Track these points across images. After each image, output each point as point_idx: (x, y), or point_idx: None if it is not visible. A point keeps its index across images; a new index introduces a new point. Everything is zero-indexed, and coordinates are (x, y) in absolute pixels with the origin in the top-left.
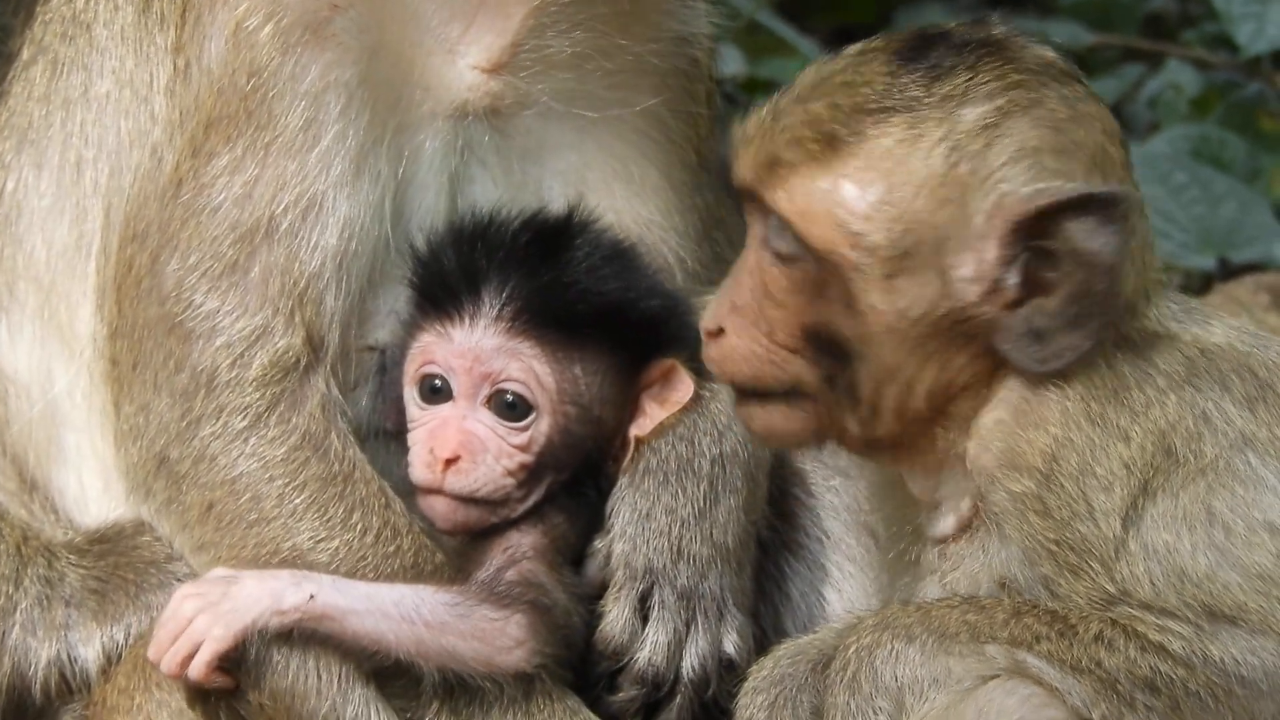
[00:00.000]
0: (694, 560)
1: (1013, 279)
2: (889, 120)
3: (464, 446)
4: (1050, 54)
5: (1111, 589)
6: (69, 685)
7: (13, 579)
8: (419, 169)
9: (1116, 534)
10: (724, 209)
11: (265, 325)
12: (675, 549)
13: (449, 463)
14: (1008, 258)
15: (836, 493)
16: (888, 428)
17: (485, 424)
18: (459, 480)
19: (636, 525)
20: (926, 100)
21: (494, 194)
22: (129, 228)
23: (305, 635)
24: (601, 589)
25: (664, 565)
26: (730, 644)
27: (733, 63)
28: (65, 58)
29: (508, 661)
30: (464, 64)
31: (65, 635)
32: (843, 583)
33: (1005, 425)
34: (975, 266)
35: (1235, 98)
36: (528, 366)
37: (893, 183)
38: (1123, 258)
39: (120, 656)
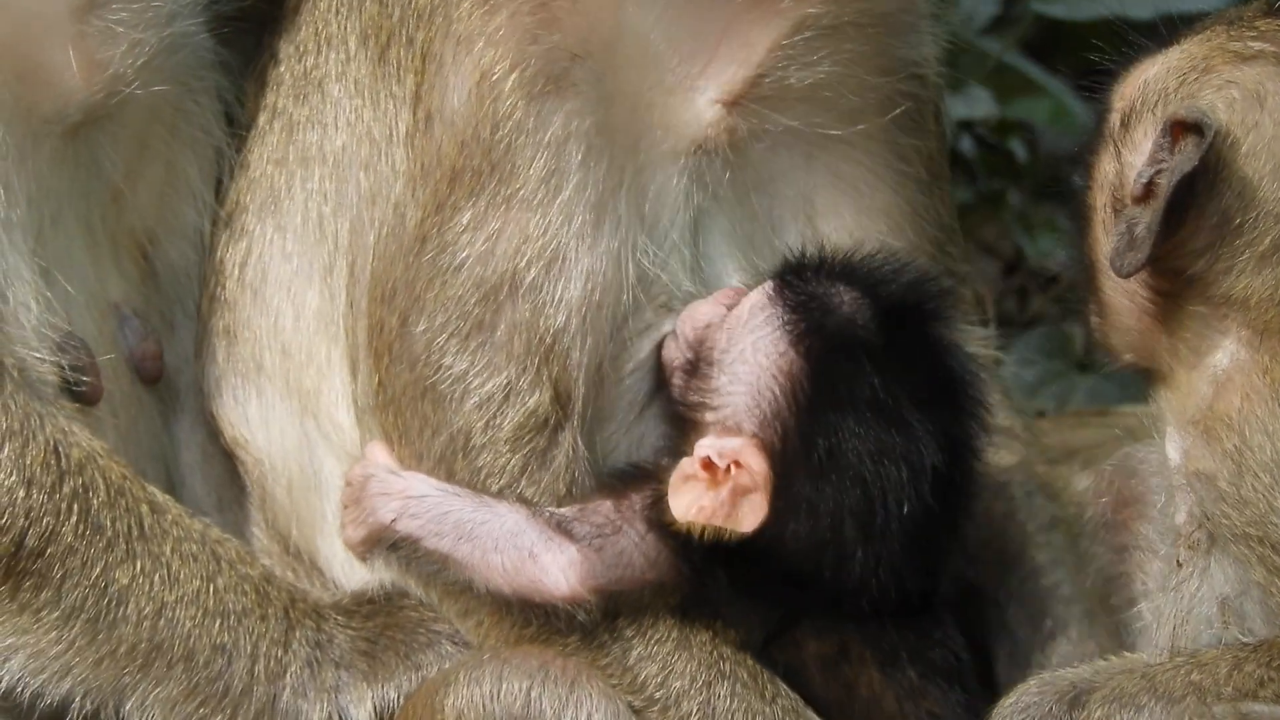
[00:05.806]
0: None
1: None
2: None
3: (696, 309)
4: None
5: None
6: None
7: (282, 642)
8: (660, 210)
9: None
10: (955, 223)
11: (513, 384)
12: None
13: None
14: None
15: (1063, 549)
16: None
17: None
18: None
19: None
20: None
21: (729, 229)
22: (377, 288)
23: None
24: None
25: None
26: None
27: (983, 105)
28: (300, 117)
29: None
30: (703, 100)
31: (336, 697)
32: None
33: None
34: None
35: None
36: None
37: None
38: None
39: (393, 716)
